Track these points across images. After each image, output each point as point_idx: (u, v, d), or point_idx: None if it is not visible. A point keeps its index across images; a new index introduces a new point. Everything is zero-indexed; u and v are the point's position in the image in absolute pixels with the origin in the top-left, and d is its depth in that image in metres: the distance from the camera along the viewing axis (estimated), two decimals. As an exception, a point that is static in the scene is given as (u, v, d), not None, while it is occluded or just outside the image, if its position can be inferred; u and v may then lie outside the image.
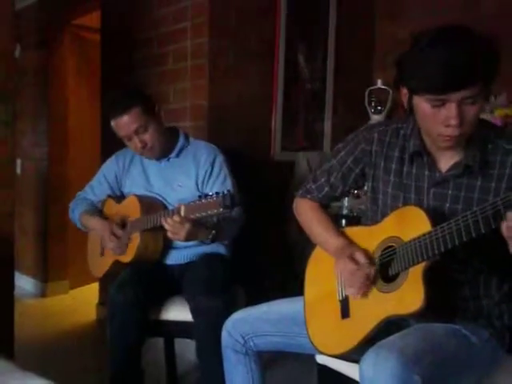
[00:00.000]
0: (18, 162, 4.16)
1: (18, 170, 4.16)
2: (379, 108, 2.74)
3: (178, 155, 2.16)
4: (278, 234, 2.78)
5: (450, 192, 1.31)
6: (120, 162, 2.26)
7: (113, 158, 2.30)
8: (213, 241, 2.00)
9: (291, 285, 1.67)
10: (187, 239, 1.86)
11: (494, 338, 1.33)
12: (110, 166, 2.28)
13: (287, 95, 2.98)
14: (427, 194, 1.35)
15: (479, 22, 2.82)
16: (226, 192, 1.68)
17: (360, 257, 1.36)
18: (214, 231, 1.97)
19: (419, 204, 1.33)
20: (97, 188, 2.29)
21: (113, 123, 2.06)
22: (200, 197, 1.74)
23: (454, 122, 1.18)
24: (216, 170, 2.11)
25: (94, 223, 2.18)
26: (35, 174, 4.12)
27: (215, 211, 1.68)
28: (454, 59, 1.13)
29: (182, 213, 1.79)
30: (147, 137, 2.05)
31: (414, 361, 1.12)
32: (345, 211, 2.41)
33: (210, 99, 2.66)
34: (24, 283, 4.10)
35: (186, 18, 2.72)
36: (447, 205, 1.31)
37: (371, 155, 1.46)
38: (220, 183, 2.08)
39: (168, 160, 2.17)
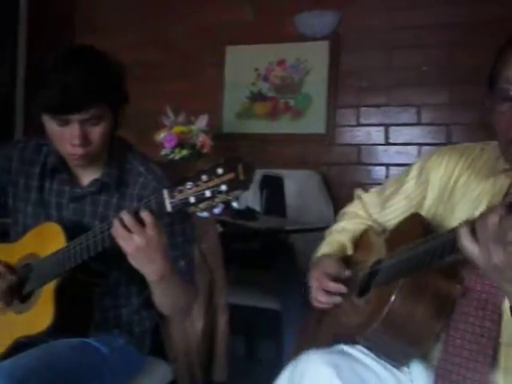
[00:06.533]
0: None
1: None
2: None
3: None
4: None
5: (87, 208, 1.34)
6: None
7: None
8: None
9: None
10: None
11: (131, 345, 1.39)
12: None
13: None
14: (67, 209, 1.36)
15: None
16: None
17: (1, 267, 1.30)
18: None
19: (60, 220, 1.32)
20: None
21: None
22: None
23: (76, 141, 1.21)
24: None
25: None
26: None
27: None
28: (70, 82, 1.16)
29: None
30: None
31: (22, 381, 1.09)
32: None
33: None
34: None
35: None
36: (85, 220, 1.34)
37: (10, 173, 1.40)
38: None
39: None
